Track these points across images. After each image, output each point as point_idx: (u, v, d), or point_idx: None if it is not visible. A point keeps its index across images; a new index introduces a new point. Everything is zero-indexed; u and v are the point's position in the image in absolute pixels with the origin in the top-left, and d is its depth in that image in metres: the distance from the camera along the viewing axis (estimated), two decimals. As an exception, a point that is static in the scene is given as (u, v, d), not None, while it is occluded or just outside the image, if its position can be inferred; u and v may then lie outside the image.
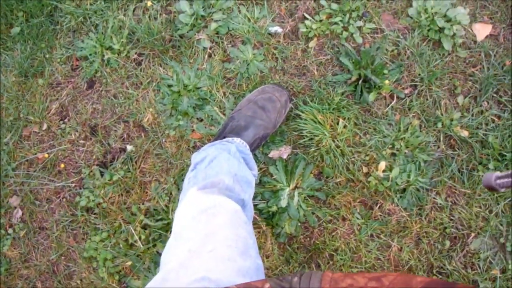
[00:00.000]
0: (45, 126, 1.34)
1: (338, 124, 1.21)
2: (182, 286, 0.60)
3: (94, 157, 1.30)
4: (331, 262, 1.20)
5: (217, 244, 0.67)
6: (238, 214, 0.77)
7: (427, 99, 1.23)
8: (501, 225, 1.23)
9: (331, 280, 0.48)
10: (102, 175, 1.27)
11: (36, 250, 1.31)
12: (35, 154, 1.31)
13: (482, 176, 0.82)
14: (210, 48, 1.29)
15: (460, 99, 1.24)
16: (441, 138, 1.23)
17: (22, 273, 1.30)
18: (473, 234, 1.22)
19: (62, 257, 1.28)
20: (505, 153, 1.22)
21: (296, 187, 1.21)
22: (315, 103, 1.22)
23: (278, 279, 0.51)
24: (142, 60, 1.32)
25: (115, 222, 1.24)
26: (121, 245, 1.23)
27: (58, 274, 1.28)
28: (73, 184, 1.30)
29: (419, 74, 1.23)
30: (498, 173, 0.69)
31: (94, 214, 1.27)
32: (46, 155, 1.30)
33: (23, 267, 1.30)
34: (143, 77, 1.30)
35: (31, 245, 1.31)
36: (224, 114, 1.25)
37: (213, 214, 0.75)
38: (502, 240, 1.22)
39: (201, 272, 0.62)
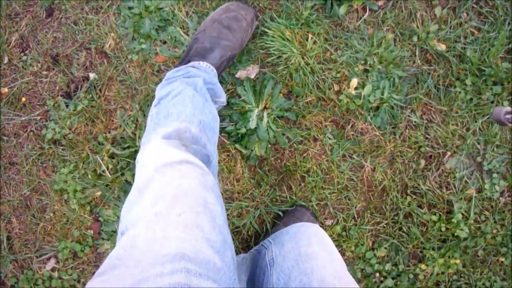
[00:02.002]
0: (6, 60, 1.29)
1: (307, 40, 1.15)
2: (156, 262, 0.53)
3: (57, 87, 1.25)
4: (302, 184, 1.17)
5: (185, 208, 0.63)
6: (205, 177, 0.71)
7: (402, 11, 1.16)
8: (478, 143, 1.19)
9: None
10: (67, 106, 1.23)
11: (8, 186, 1.29)
12: (-1, 88, 1.26)
13: (492, 109, 0.77)
14: (171, -34, 1.20)
15: (437, 10, 1.16)
16: (417, 53, 1.17)
17: (-4, 208, 1.30)
18: (449, 153, 1.19)
19: (34, 191, 1.27)
20: (483, 68, 1.16)
21: (265, 107, 1.17)
22: (282, 18, 1.15)
23: None
24: (101, -17, 1.24)
25: (82, 153, 1.22)
26: (89, 176, 1.21)
27: (32, 208, 1.27)
28: (39, 117, 1.26)
29: (394, -16, 1.15)
30: (508, 108, 0.65)
31: (62, 146, 1.24)
32: (7, 90, 1.26)
33: (-4, 202, 1.30)
34: (102, 0, 1.23)
35: (3, 181, 1.30)
36: (188, 35, 1.19)
37: (179, 170, 0.69)
38: (479, 159, 1.19)
39: (174, 245, 0.56)
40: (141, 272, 0.52)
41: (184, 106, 0.87)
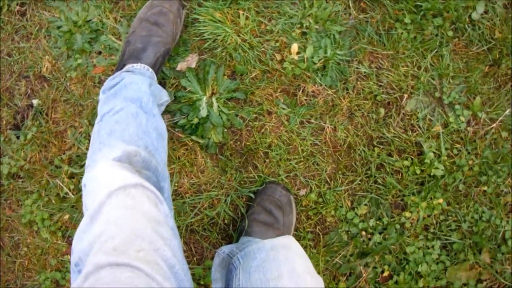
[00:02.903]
0: (-50, 107, 1.27)
1: (239, 17, 1.14)
2: None
3: (4, 122, 1.23)
4: (267, 160, 1.15)
5: (144, 245, 0.60)
6: (159, 207, 0.69)
7: (325, -33, 1.15)
8: (433, 79, 1.18)
9: None
10: (18, 138, 1.21)
11: (-22, 232, 1.26)
12: None
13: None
14: (90, -24, 1.19)
15: (360, -42, 1.16)
16: (350, 4, 1.16)
17: (-28, 258, 1.27)
18: (406, 95, 1.17)
19: (4, 230, 1.24)
20: (420, 4, 1.15)
21: (212, 93, 1.15)
22: (209, 1, 1.13)
23: None
24: (25, 9, 1.23)
25: (42, 180, 1.19)
26: (53, 201, 1.18)
27: (5, 247, 1.24)
28: (-7, 156, 1.24)
29: None
30: None
31: (20, 178, 1.21)
32: (-44, 134, 1.23)
33: (-29, 252, 1.26)
34: (31, 26, 1.22)
35: (-28, 229, 1.27)
36: (120, 40, 1.17)
37: (133, 198, 0.66)
38: (437, 94, 1.17)
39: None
40: None
41: (127, 125, 0.84)
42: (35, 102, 1.20)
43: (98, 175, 0.72)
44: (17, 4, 1.23)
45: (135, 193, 0.67)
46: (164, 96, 1.05)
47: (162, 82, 1.16)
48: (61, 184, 1.17)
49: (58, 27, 1.20)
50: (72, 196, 1.16)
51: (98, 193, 0.67)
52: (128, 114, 0.87)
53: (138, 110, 0.88)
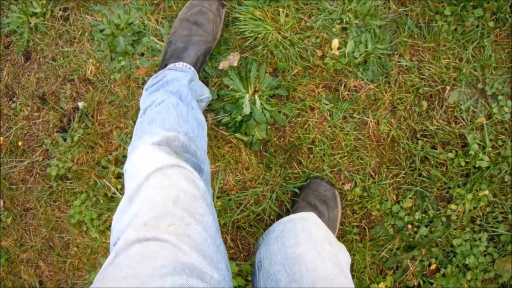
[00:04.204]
0: (-3, 112, 1.31)
1: (279, 15, 1.15)
2: (154, 274, 0.52)
3: (51, 125, 1.26)
4: (311, 156, 1.16)
5: (175, 220, 0.61)
6: (195, 184, 0.69)
7: (364, -38, 1.15)
8: (475, 70, 1.17)
9: None
10: (64, 140, 1.24)
11: (28, 232, 1.30)
12: (-3, 141, 1.28)
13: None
14: (131, -20, 1.22)
15: (398, -49, 1.16)
16: (390, -2, 1.16)
17: (22, 258, 1.30)
18: (448, 88, 1.17)
19: (54, 231, 1.27)
20: (460, -6, 1.14)
21: (255, 91, 1.16)
22: (249, 0, 1.15)
23: None
24: (68, 14, 1.26)
25: (89, 180, 1.22)
26: (102, 201, 1.21)
27: (55, 247, 1.28)
28: (41, 158, 1.27)
29: None
30: None
31: (68, 179, 1.25)
32: (3, 140, 1.27)
33: (21, 251, 1.30)
34: (74, 31, 1.25)
35: (22, 229, 1.30)
36: (162, 41, 1.19)
37: (169, 177, 0.67)
38: (479, 85, 1.17)
39: (169, 257, 0.55)
40: (141, 283, 0.50)
41: (168, 114, 0.86)
42: (80, 104, 1.23)
43: (137, 159, 0.74)
44: (60, 10, 1.26)
45: (171, 173, 0.68)
46: (206, 93, 1.06)
47: (205, 81, 1.18)
48: (108, 184, 1.19)
49: (101, 31, 1.23)
50: (120, 196, 1.19)
51: (136, 176, 0.69)
52: (169, 104, 0.88)
53: (179, 101, 0.90)
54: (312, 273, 0.67)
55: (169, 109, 0.88)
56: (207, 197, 0.71)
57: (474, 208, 1.14)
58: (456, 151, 1.14)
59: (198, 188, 0.69)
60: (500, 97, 1.16)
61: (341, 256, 0.74)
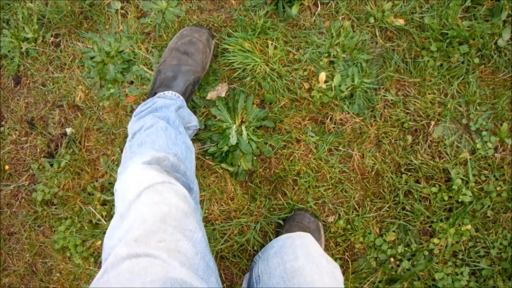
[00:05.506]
0: (-15, 134, 1.31)
1: (267, 47, 1.16)
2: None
3: (38, 150, 1.26)
4: (296, 188, 1.16)
5: (165, 236, 0.62)
6: (185, 201, 0.71)
7: (351, -3, 1.17)
8: (460, 106, 1.19)
9: None
10: (51, 165, 1.24)
11: (11, 256, 1.29)
12: (-17, 163, 1.28)
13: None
14: (122, 8, 1.23)
15: (386, -12, 1.18)
16: (377, 33, 1.18)
17: (4, 282, 1.29)
18: (433, 122, 1.18)
19: (37, 256, 1.27)
20: (445, 31, 1.16)
21: (242, 122, 1.17)
22: (239, 32, 1.16)
23: None
24: (59, 41, 1.27)
25: (75, 207, 1.22)
26: (86, 228, 1.20)
27: (38, 273, 1.27)
28: (27, 182, 1.27)
29: (337, -26, 1.16)
30: None
31: (54, 205, 1.25)
32: (-9, 161, 1.27)
33: (3, 276, 1.29)
34: (65, 57, 1.26)
35: (5, 253, 1.30)
36: (152, 70, 1.20)
37: (160, 194, 0.68)
38: (464, 121, 1.18)
39: (159, 272, 0.56)
40: None
41: (157, 137, 0.87)
42: (68, 130, 1.24)
43: (128, 178, 0.75)
44: (51, 36, 1.27)
45: (162, 189, 0.69)
46: (193, 121, 1.07)
47: (193, 111, 1.19)
48: (93, 210, 1.19)
49: (91, 58, 1.24)
50: (105, 222, 1.19)
51: (128, 194, 0.70)
52: (158, 128, 0.90)
53: (167, 125, 0.92)
54: (310, 285, 0.69)
55: (158, 132, 0.89)
56: (197, 214, 0.72)
57: (457, 242, 1.15)
58: (440, 185, 1.16)
59: (189, 204, 0.71)
60: (484, 133, 1.17)
61: (337, 273, 0.76)
